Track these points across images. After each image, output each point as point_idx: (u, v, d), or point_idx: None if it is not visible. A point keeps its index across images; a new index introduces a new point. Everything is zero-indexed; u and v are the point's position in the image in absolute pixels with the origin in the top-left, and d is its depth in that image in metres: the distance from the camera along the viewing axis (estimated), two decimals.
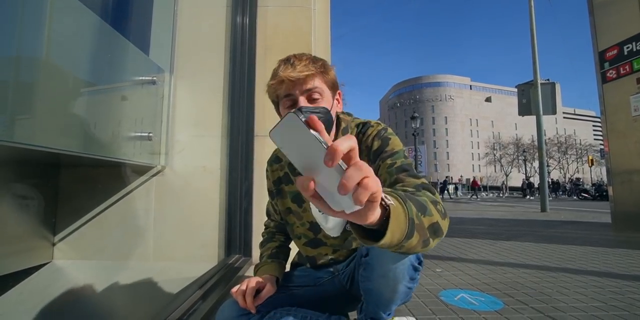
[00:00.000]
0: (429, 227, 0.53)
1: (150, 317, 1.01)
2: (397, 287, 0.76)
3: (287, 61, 0.81)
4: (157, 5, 1.88)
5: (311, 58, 0.82)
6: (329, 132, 0.80)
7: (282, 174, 0.96)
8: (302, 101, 0.78)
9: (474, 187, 23.79)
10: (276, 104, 0.86)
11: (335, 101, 0.86)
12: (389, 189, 0.52)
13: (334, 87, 0.85)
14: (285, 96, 0.80)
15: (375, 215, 0.40)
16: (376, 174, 0.72)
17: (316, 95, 0.79)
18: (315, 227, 0.92)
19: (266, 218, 1.11)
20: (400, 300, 0.82)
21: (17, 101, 0.89)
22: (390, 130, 0.86)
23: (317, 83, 0.79)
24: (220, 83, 1.89)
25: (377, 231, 0.46)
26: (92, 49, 1.27)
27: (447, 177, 24.42)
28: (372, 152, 0.81)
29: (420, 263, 0.78)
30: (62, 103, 1.09)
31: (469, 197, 23.18)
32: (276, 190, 0.97)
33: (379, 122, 0.88)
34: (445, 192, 22.66)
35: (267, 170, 1.01)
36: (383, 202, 0.44)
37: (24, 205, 1.39)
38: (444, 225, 0.57)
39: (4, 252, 1.30)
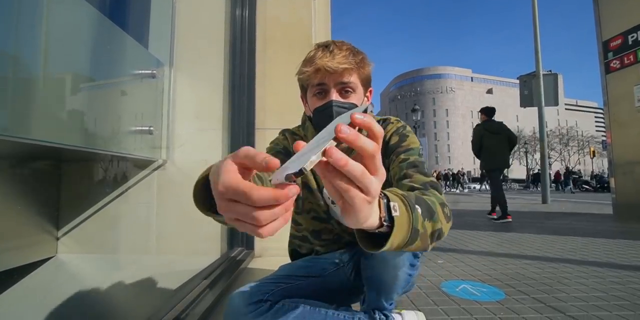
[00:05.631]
0: (432, 234, 0.53)
1: (154, 311, 1.02)
2: (398, 273, 0.78)
3: (326, 48, 0.77)
4: None
5: (352, 49, 0.79)
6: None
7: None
8: (334, 94, 0.76)
9: (557, 180, 21.84)
10: (304, 90, 0.84)
11: (365, 98, 0.84)
12: (401, 192, 0.51)
13: (367, 84, 0.82)
14: (317, 85, 0.77)
15: (370, 219, 0.39)
16: (387, 169, 0.75)
17: (349, 90, 0.77)
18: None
19: None
20: (402, 288, 0.83)
21: (16, 95, 0.89)
22: (409, 128, 0.86)
23: (353, 78, 0.77)
24: (220, 76, 1.87)
25: (377, 235, 0.47)
26: (91, 43, 1.26)
27: (538, 170, 20.25)
28: (389, 146, 0.82)
29: None
30: (62, 97, 1.08)
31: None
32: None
33: (398, 119, 0.88)
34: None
35: (279, 139, 0.95)
36: (384, 213, 0.44)
37: (27, 201, 1.40)
38: (446, 228, 0.58)
39: (8, 246, 1.30)
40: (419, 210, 0.50)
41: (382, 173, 0.35)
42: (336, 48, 0.76)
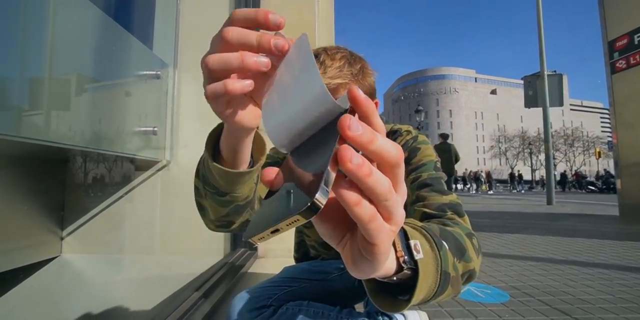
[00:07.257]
0: (464, 274, 0.41)
1: (157, 311, 1.03)
2: None
3: (316, 58, 0.63)
4: None
5: (347, 57, 0.66)
6: None
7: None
8: None
9: (578, 179, 22.50)
10: None
11: None
12: (420, 223, 0.39)
13: (370, 97, 0.68)
14: None
15: (387, 262, 0.26)
16: None
17: None
18: None
19: None
20: None
21: (23, 96, 0.89)
22: (421, 137, 0.71)
23: None
24: None
25: (391, 285, 0.33)
26: (96, 44, 1.27)
27: (519, 171, 19.12)
28: None
29: None
30: (68, 98, 1.09)
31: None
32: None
33: (409, 129, 0.74)
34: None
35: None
36: (402, 252, 0.30)
37: (32, 201, 1.40)
38: (478, 267, 0.44)
39: (14, 246, 1.31)
40: (447, 246, 0.37)
41: (405, 191, 0.23)
42: (328, 58, 0.64)
